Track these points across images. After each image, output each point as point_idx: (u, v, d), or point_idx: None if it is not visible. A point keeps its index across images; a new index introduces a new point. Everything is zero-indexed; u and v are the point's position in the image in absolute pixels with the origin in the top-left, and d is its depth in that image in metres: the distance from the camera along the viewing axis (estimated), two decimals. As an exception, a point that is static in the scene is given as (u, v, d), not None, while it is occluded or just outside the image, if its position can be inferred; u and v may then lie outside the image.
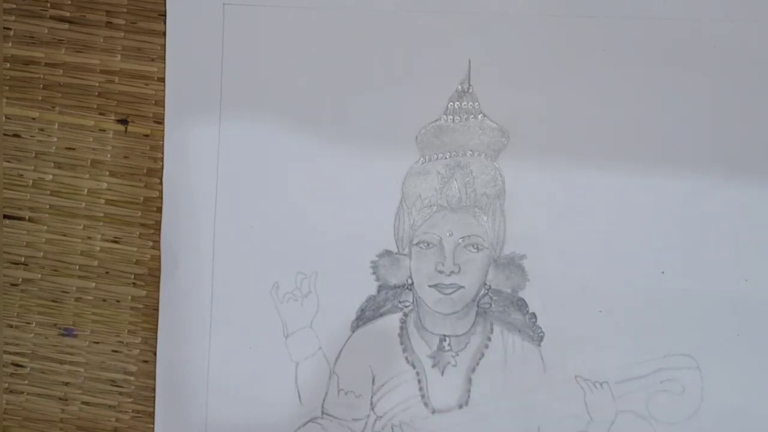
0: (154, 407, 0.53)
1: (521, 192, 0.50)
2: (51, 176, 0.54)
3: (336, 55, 0.50)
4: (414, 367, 0.51)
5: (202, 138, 0.51)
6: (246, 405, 0.52)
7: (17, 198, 0.54)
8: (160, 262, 0.53)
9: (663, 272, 0.49)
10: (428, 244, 0.50)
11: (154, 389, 0.53)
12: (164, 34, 0.51)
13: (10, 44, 0.53)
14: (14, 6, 0.53)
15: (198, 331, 0.52)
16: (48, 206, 0.54)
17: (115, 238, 0.54)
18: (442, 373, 0.51)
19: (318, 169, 0.51)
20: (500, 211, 0.50)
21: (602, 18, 0.48)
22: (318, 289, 0.51)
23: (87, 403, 0.55)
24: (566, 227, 0.49)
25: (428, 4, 0.49)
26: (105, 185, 0.53)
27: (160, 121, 0.52)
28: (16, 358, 0.55)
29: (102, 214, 0.54)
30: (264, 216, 0.51)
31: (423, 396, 0.51)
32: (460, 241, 0.50)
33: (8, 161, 0.54)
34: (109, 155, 0.53)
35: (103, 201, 0.53)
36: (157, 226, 0.53)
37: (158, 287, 0.53)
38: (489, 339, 0.50)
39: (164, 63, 0.52)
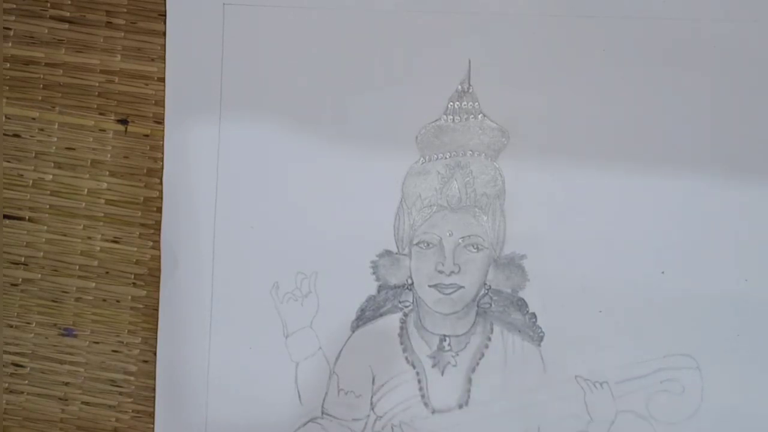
0: (154, 407, 0.53)
1: (521, 192, 0.50)
2: (51, 176, 0.54)
3: (336, 55, 0.50)
4: (414, 367, 0.51)
5: (202, 138, 0.51)
6: (246, 405, 0.52)
7: (17, 198, 0.54)
8: (160, 262, 0.53)
9: (663, 272, 0.49)
10: (428, 244, 0.50)
11: (154, 389, 0.53)
12: (164, 34, 0.51)
13: (10, 44, 0.53)
14: (14, 6, 0.53)
15: (198, 331, 0.52)
16: (48, 206, 0.54)
17: (115, 238, 0.54)
18: (442, 373, 0.51)
19: (318, 169, 0.51)
20: (500, 211, 0.50)
21: (602, 18, 0.48)
22: (318, 289, 0.51)
23: (87, 403, 0.55)
24: (566, 227, 0.49)
25: (428, 4, 0.49)
26: (105, 185, 0.53)
27: (160, 121, 0.52)
28: (16, 358, 0.55)
29: (102, 214, 0.54)
30: (264, 216, 0.51)
31: (423, 396, 0.51)
32: (460, 241, 0.50)
33: (8, 161, 0.54)
34: (109, 155, 0.53)
35: (103, 201, 0.53)
36: (157, 226, 0.53)
37: (158, 287, 0.53)
38: (489, 339, 0.50)
39: (164, 63, 0.52)
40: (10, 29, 0.53)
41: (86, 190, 0.54)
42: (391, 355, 0.51)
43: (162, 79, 0.52)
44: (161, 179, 0.52)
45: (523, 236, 0.50)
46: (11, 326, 0.55)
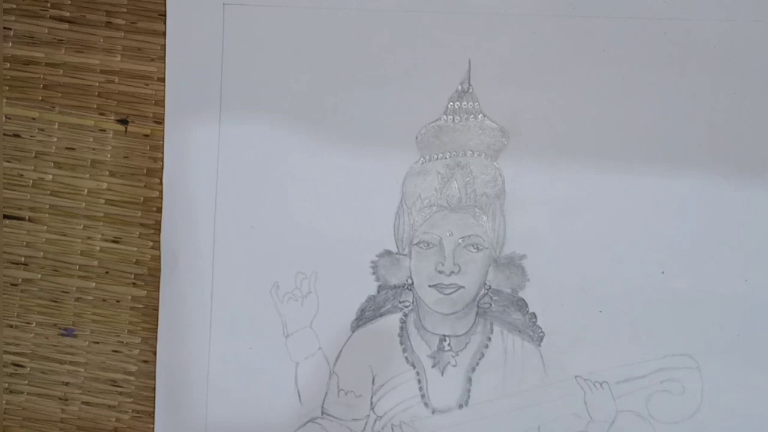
0: (154, 407, 0.53)
1: (521, 192, 0.50)
2: (51, 176, 0.54)
3: (336, 55, 0.50)
4: (414, 367, 0.51)
5: (202, 138, 0.51)
6: (246, 405, 0.52)
7: (17, 198, 0.54)
8: (160, 262, 0.53)
9: (663, 272, 0.49)
10: (428, 244, 0.50)
11: (154, 389, 0.53)
12: (164, 34, 0.51)
13: (10, 44, 0.53)
14: (14, 6, 0.53)
15: (198, 331, 0.52)
16: (48, 206, 0.54)
17: (115, 238, 0.54)
18: (442, 373, 0.51)
19: (318, 169, 0.51)
20: (500, 211, 0.50)
21: (602, 18, 0.48)
22: (318, 289, 0.51)
23: (87, 403, 0.55)
24: (566, 227, 0.49)
25: (428, 4, 0.49)
26: (105, 185, 0.53)
27: (160, 121, 0.52)
28: (16, 358, 0.55)
29: (102, 214, 0.54)
30: (264, 216, 0.51)
31: (423, 396, 0.51)
32: (460, 241, 0.50)
33: (8, 161, 0.54)
34: (109, 155, 0.53)
35: (103, 201, 0.53)
36: (157, 226, 0.53)
37: (158, 287, 0.53)
38: (489, 339, 0.50)
39: (164, 63, 0.52)
40: (10, 29, 0.53)
41: (86, 190, 0.54)
42: (391, 355, 0.51)
43: (162, 79, 0.52)
44: (161, 179, 0.52)
45: (523, 236, 0.50)
46: (11, 326, 0.55)
